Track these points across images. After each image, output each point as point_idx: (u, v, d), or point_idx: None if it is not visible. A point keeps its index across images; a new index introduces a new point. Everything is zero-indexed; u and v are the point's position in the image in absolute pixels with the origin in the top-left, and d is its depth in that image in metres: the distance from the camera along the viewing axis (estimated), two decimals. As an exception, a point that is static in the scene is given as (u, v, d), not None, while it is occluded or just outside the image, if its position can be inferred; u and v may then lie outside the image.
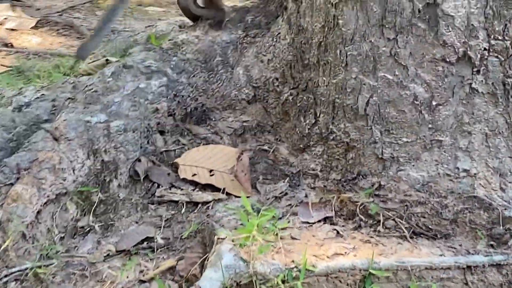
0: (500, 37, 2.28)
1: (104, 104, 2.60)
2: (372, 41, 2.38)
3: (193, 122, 2.76)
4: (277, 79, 2.70)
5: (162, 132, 2.71)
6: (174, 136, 2.72)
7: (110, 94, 2.62)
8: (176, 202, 2.52)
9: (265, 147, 2.69)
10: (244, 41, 2.84)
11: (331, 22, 2.47)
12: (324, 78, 2.52)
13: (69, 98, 2.69)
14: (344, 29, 2.43)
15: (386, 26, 2.35)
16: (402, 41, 2.34)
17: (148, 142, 2.65)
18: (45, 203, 2.36)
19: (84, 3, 6.29)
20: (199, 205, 2.51)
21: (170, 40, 2.86)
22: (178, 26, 3.54)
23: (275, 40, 2.75)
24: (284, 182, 2.56)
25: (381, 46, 2.37)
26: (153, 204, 2.52)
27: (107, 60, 3.28)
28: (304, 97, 2.60)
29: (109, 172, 2.52)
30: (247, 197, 2.42)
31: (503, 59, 2.29)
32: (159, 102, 2.68)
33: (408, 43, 2.34)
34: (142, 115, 2.64)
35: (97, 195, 2.48)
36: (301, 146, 2.61)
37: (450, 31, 2.29)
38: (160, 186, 2.57)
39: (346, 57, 2.44)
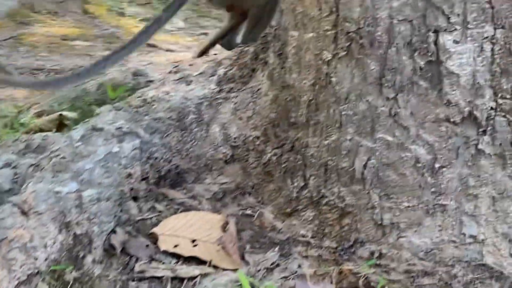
0: (508, 96, 2.17)
1: (74, 172, 2.38)
2: (370, 100, 2.24)
3: (168, 186, 2.56)
4: (258, 137, 2.53)
5: (135, 198, 2.50)
6: (149, 202, 2.51)
7: (81, 161, 2.40)
8: (159, 278, 2.31)
9: (248, 212, 2.50)
10: (219, 96, 2.65)
11: (323, 80, 2.31)
12: (314, 139, 2.36)
13: (33, 164, 2.45)
14: (338, 87, 2.28)
15: (385, 84, 2.21)
16: (403, 100, 2.21)
17: (121, 211, 2.44)
18: (16, 285, 2.11)
19: (6, 40, 6.02)
20: (185, 281, 2.30)
21: (139, 97, 2.65)
22: (132, 74, 3.35)
23: (255, 96, 2.57)
24: (274, 251, 2.38)
25: (379, 105, 2.23)
26: (133, 280, 2.31)
27: (60, 114, 3.04)
28: (291, 158, 2.43)
29: (83, 247, 2.31)
30: (236, 269, 2.24)
31: (511, 118, 2.17)
32: (132, 166, 2.47)
33: (409, 102, 2.20)
34: (116, 182, 2.42)
35: (71, 272, 2.25)
36: (288, 210, 2.44)
37: (454, 90, 2.16)
38: (139, 260, 2.36)
39: (340, 117, 2.29)
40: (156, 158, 2.55)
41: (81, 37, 6.44)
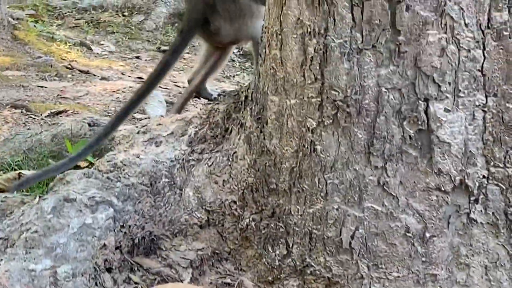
0: (501, 165, 2.13)
1: (47, 247, 2.26)
2: (357, 169, 2.17)
3: (142, 254, 2.45)
4: (235, 202, 2.44)
5: (109, 270, 2.38)
6: (124, 272, 2.40)
7: (54, 235, 2.28)
8: None
9: (228, 280, 2.42)
10: (191, 157, 2.55)
11: (306, 148, 2.24)
12: (298, 207, 2.28)
13: (1, 238, 2.32)
14: (323, 155, 2.21)
15: (373, 153, 2.15)
16: (392, 169, 2.15)
17: (96, 284, 2.32)
18: None
19: None
20: None
21: (108, 161, 2.53)
22: (88, 125, 3.22)
23: (230, 159, 2.48)
24: (259, 323, 2.30)
25: (367, 174, 2.17)
26: None
27: (20, 173, 2.90)
28: (271, 225, 2.35)
29: (58, 328, 2.18)
30: None
31: (504, 187, 2.13)
32: (106, 237, 2.36)
33: (398, 171, 2.15)
34: (90, 255, 2.31)
35: None
36: (270, 278, 2.36)
37: (445, 159, 2.11)
38: (118, 338, 2.25)
39: (326, 185, 2.22)
40: (129, 226, 2.45)
41: (13, 67, 6.24)
